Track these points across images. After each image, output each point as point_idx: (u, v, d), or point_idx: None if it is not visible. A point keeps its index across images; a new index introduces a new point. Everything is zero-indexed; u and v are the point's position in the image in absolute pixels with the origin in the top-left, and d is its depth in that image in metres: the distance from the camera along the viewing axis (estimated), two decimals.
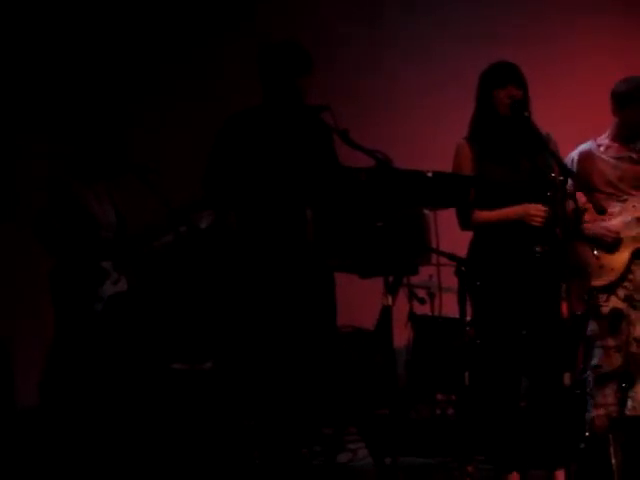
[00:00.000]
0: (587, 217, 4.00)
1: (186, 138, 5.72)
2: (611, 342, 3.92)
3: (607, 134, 4.15)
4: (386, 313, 3.52)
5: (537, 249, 3.70)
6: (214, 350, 4.34)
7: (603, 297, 3.95)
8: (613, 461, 3.19)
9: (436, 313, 5.28)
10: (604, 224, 3.99)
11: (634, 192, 4.05)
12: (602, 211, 3.76)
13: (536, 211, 3.71)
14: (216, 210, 3.90)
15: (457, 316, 3.87)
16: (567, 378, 3.43)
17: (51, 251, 4.11)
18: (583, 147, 4.16)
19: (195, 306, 4.38)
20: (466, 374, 3.72)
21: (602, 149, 4.11)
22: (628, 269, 3.96)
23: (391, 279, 3.56)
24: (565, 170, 3.58)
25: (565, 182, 3.54)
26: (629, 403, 3.93)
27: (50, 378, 4.10)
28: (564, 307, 3.53)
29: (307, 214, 3.61)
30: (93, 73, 5.75)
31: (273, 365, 3.70)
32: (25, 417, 4.31)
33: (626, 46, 5.93)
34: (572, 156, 4.15)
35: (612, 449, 3.20)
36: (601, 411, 3.85)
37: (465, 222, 3.89)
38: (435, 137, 5.67)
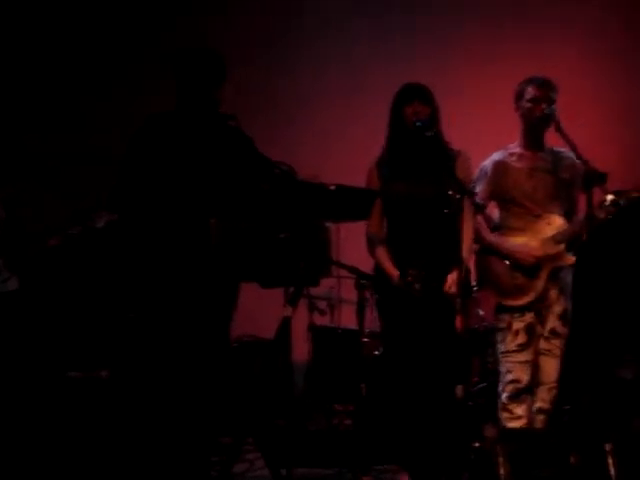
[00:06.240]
0: (508, 234, 4.01)
1: (108, 139, 5.63)
2: (526, 357, 3.95)
3: (518, 142, 4.04)
4: (286, 324, 3.54)
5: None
6: (111, 358, 4.27)
7: (517, 314, 3.94)
8: (501, 471, 3.27)
9: (335, 324, 5.33)
10: (525, 248, 3.94)
11: (547, 204, 3.98)
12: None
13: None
14: (120, 215, 3.85)
15: (356, 328, 3.92)
16: (460, 390, 3.50)
17: None
18: (496, 157, 4.05)
19: (90, 310, 4.30)
20: (363, 385, 3.77)
21: (515, 158, 4.02)
22: (546, 290, 3.95)
23: (292, 290, 3.60)
24: (462, 189, 3.61)
25: (461, 200, 3.59)
26: None
27: None
28: (458, 321, 3.61)
29: (211, 223, 3.60)
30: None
31: (168, 374, 3.66)
32: None
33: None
34: (486, 166, 4.05)
35: (500, 460, 3.28)
36: (519, 424, 3.90)
37: None
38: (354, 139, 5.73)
